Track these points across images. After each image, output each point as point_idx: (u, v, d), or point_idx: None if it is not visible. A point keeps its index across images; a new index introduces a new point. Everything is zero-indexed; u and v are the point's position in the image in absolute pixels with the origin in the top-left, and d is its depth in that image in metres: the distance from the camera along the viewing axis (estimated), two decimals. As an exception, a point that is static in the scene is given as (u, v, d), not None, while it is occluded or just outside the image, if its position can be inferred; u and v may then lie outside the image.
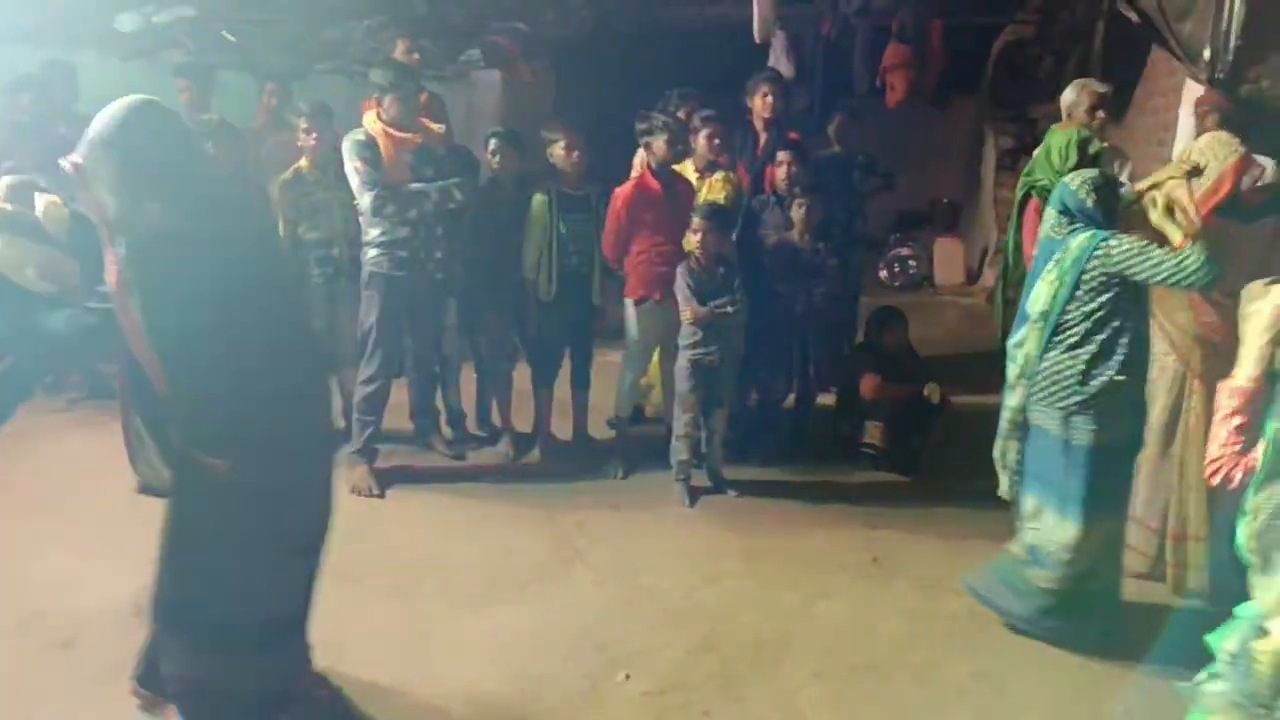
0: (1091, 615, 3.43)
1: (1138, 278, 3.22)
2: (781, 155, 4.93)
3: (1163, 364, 3.75)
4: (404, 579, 3.90)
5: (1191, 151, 3.80)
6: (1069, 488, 3.31)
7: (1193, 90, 5.13)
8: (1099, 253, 3.25)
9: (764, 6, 6.34)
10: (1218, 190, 3.64)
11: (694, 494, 4.62)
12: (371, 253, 4.57)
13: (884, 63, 6.97)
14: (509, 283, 4.83)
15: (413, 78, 4.73)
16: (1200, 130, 4.64)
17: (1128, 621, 3.51)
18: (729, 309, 4.44)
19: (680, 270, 4.48)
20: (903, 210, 8.40)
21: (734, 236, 4.83)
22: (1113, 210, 3.42)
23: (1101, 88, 4.73)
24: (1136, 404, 3.41)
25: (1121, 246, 3.23)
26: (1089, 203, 3.37)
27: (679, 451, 4.61)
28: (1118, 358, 3.27)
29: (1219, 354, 3.59)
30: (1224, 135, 3.77)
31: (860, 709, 3.19)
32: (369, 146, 4.42)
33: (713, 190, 4.88)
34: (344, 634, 3.31)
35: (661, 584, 3.91)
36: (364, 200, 4.44)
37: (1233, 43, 4.84)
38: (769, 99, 5.11)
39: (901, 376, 4.83)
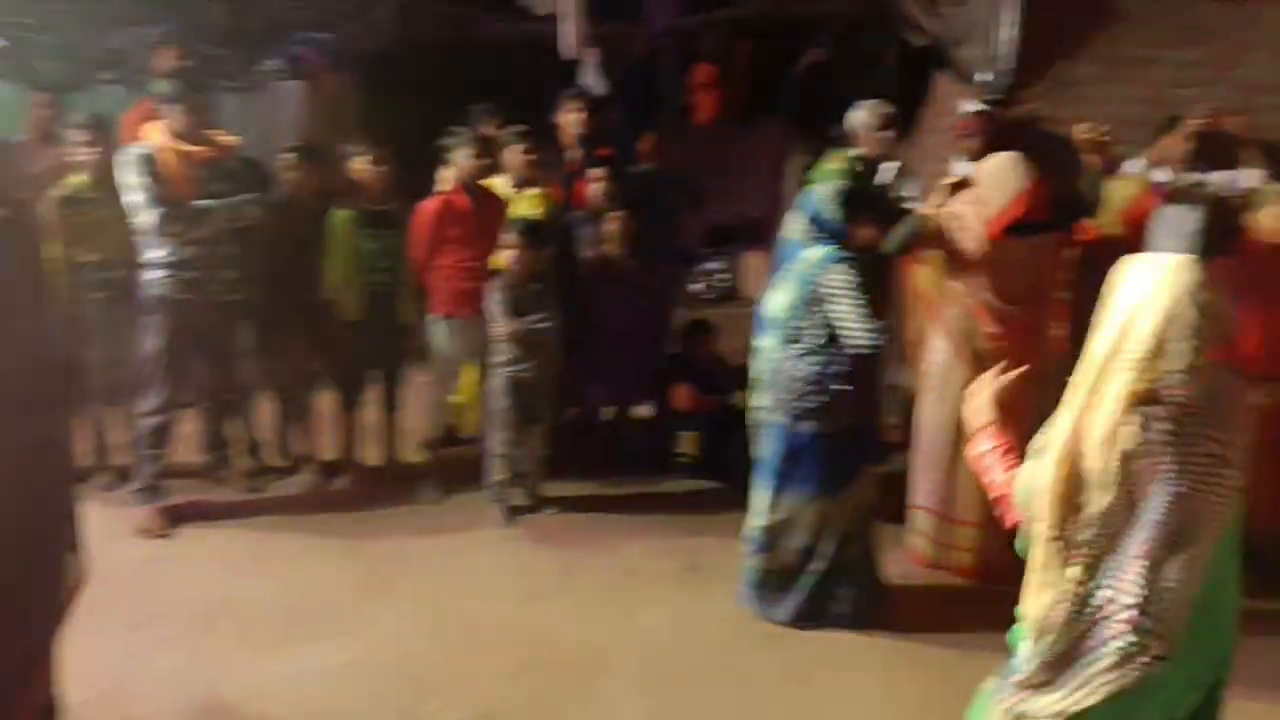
0: (836, 596, 3.65)
1: (828, 312, 3.42)
2: (594, 172, 4.94)
3: (950, 364, 4.00)
4: (197, 623, 3.63)
5: (980, 175, 4.06)
6: (788, 471, 3.57)
7: (967, 108, 5.50)
8: (821, 273, 3.45)
9: (574, 24, 6.38)
10: (1010, 212, 3.90)
11: (512, 514, 4.53)
12: (154, 274, 4.24)
13: (691, 82, 7.16)
14: (310, 303, 4.61)
15: (200, 88, 4.45)
16: (963, 152, 4.98)
17: (917, 605, 3.74)
18: (544, 325, 4.40)
19: (494, 286, 4.39)
20: (714, 225, 8.63)
21: (549, 253, 4.80)
22: (852, 226, 3.60)
23: (886, 109, 4.96)
24: (864, 403, 3.61)
25: (835, 278, 3.43)
26: (833, 215, 3.55)
27: (496, 472, 4.52)
28: (847, 366, 3.47)
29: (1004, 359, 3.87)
30: (1009, 160, 4.00)
31: (678, 718, 3.20)
32: (148, 160, 4.11)
33: (528, 206, 4.83)
34: (130, 685, 3.08)
35: (477, 608, 3.80)
36: (145, 218, 4.13)
37: (1007, 67, 5.27)
38: (578, 115, 5.11)
39: (713, 387, 4.92)
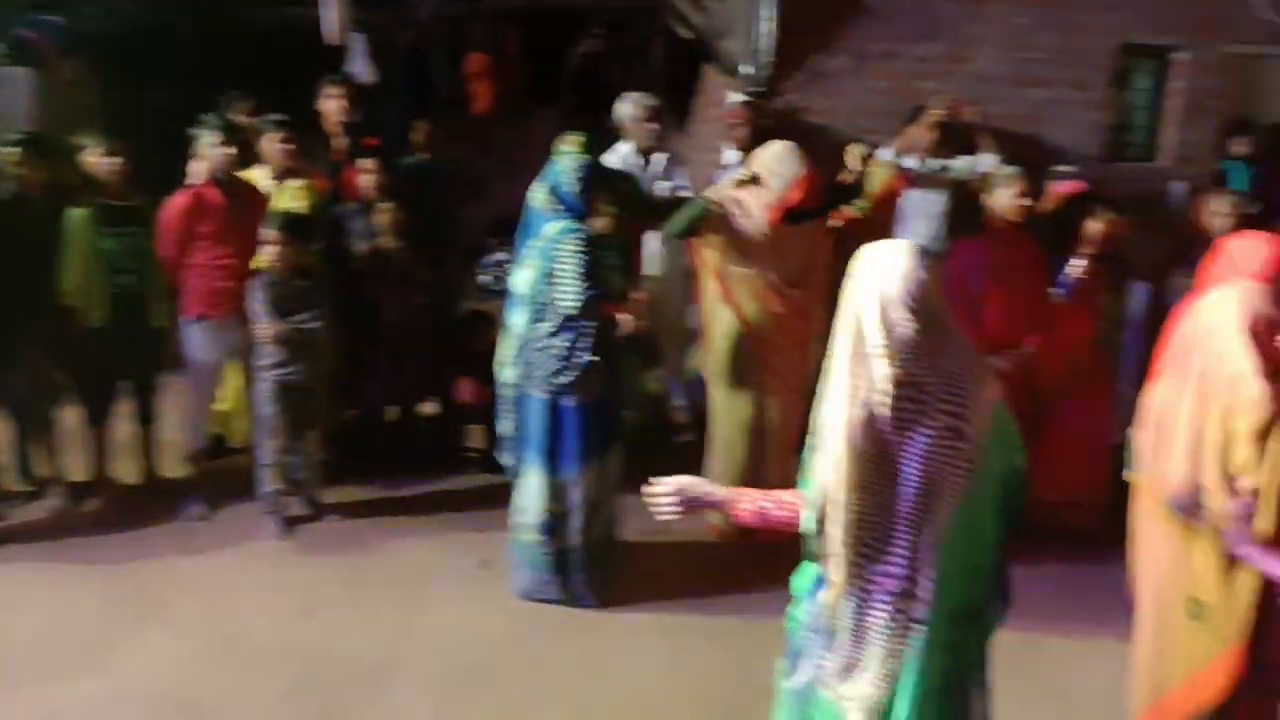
0: (603, 567, 3.76)
1: (554, 281, 3.55)
2: (364, 162, 4.75)
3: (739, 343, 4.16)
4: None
5: (755, 162, 4.21)
6: (555, 448, 3.63)
7: (734, 99, 5.72)
8: (558, 243, 3.55)
9: (336, 9, 6.11)
10: (787, 199, 4.07)
11: (288, 525, 4.30)
12: None
13: (466, 71, 7.04)
14: (46, 310, 4.18)
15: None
16: (732, 141, 5.19)
17: (707, 575, 3.89)
18: (312, 324, 4.18)
19: (256, 284, 4.13)
20: (497, 216, 8.53)
21: (319, 247, 4.58)
22: (591, 202, 3.74)
23: (652, 101, 5.07)
24: (610, 373, 3.73)
25: (565, 249, 3.55)
26: (572, 188, 3.65)
27: (268, 481, 4.27)
28: (595, 339, 3.60)
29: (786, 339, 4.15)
30: (785, 149, 4.17)
31: (470, 715, 3.14)
32: None
33: (291, 198, 4.58)
34: None
35: (252, 626, 3.58)
36: None
37: (765, 59, 5.50)
38: (340, 103, 4.89)
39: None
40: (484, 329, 4.97)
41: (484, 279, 8.48)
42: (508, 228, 8.76)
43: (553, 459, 3.66)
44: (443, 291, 5.03)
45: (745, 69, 5.57)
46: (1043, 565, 4.11)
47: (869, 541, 1.87)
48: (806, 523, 1.96)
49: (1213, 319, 2.55)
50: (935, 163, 5.36)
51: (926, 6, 5.62)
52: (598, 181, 3.79)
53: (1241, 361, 2.42)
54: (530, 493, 3.71)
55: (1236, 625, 2.46)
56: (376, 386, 4.79)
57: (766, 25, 5.45)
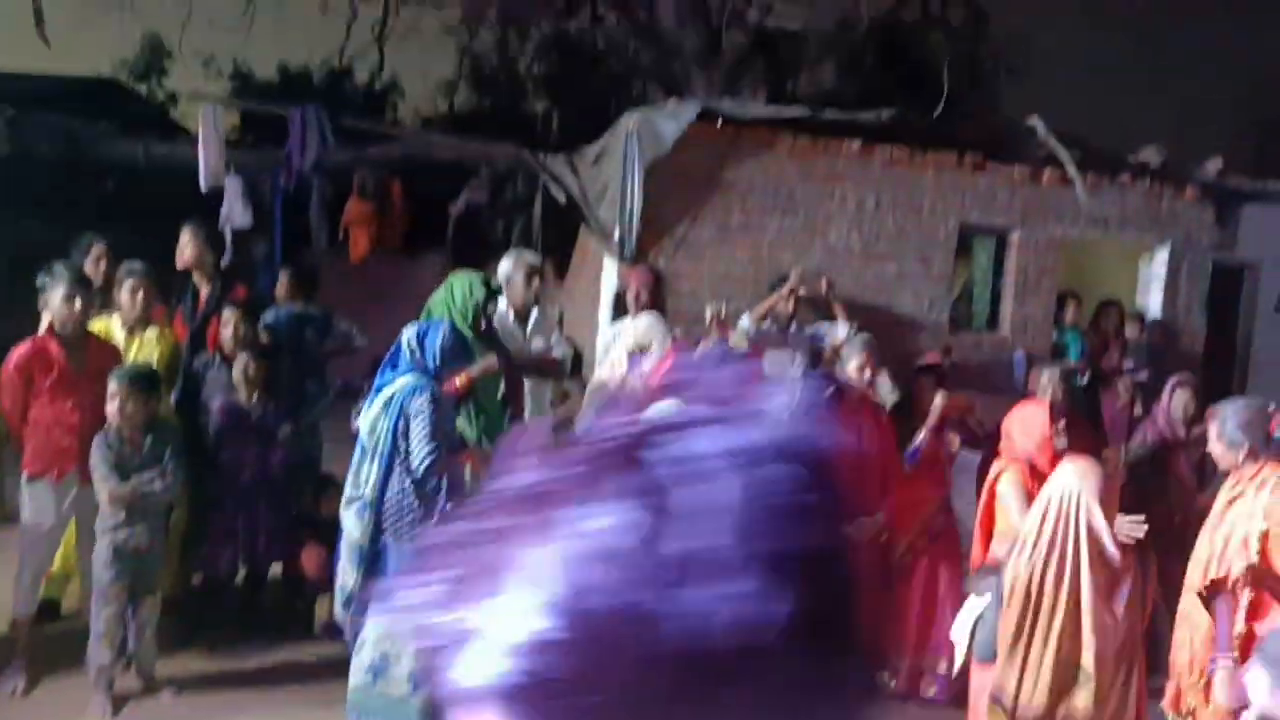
0: None
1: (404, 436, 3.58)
2: (227, 313, 4.66)
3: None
4: None
5: (636, 333, 4.35)
6: None
7: (611, 261, 5.93)
8: (409, 399, 3.59)
9: (211, 152, 6.11)
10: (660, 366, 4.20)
11: (119, 702, 3.99)
12: None
13: (345, 217, 7.09)
14: None
15: None
16: (638, 303, 5.35)
17: None
18: (156, 485, 3.99)
19: (97, 442, 3.94)
20: (379, 357, 8.45)
21: (171, 401, 4.43)
22: (453, 365, 3.82)
23: (534, 259, 5.20)
24: None
25: (416, 405, 3.57)
26: (435, 351, 3.72)
27: (99, 654, 3.96)
28: (450, 489, 3.62)
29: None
30: (654, 319, 4.33)
31: None
32: None
33: (143, 349, 4.45)
34: None
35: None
36: None
37: (635, 225, 5.75)
38: (199, 248, 4.82)
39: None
40: (333, 492, 4.81)
41: (356, 424, 8.32)
42: (381, 370, 8.73)
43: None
44: (304, 448, 4.90)
45: (616, 234, 5.80)
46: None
47: None
48: None
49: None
50: (795, 330, 5.67)
51: (783, 184, 6.02)
52: (459, 349, 3.85)
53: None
54: (369, 634, 3.56)
55: None
56: (225, 549, 4.57)
57: (636, 194, 5.72)
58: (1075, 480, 3.38)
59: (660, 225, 5.82)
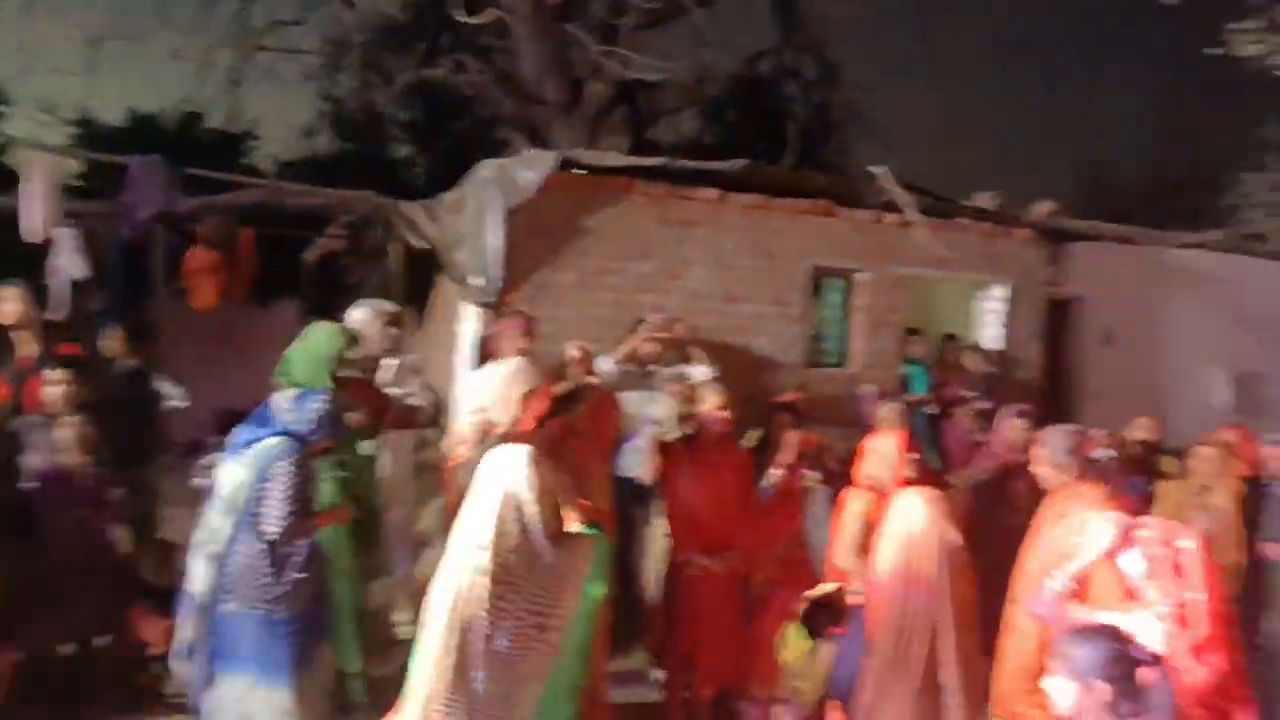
0: None
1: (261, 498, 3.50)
2: (51, 373, 4.40)
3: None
4: None
5: (509, 384, 4.28)
6: (273, 658, 3.46)
7: (471, 308, 5.87)
8: (271, 461, 3.51)
9: (36, 203, 5.78)
10: (537, 408, 4.15)
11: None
12: None
13: (186, 267, 6.80)
14: None
15: None
16: (512, 349, 5.29)
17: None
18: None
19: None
20: (226, 410, 8.10)
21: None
22: (325, 432, 3.72)
23: (390, 307, 5.12)
24: (321, 587, 3.70)
25: (277, 469, 3.49)
26: (299, 418, 3.63)
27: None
28: (306, 556, 3.54)
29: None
30: (520, 366, 4.26)
31: None
32: None
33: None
34: None
35: None
36: None
37: (496, 272, 5.72)
38: (18, 306, 4.55)
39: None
40: (170, 557, 4.57)
41: (201, 481, 7.92)
42: (235, 422, 8.37)
43: (261, 670, 3.45)
44: (138, 509, 4.63)
45: (476, 280, 5.76)
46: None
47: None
48: None
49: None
50: (659, 370, 5.74)
51: (641, 230, 6.13)
52: (335, 419, 3.78)
53: None
54: (232, 707, 3.44)
55: None
56: (49, 623, 4.24)
57: (495, 239, 5.70)
58: (922, 508, 3.54)
59: (521, 271, 5.82)
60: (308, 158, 13.87)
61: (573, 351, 5.27)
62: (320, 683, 3.69)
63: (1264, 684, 4.87)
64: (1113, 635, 2.46)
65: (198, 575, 3.51)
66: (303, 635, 3.55)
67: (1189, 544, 3.04)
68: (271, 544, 3.46)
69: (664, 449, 4.91)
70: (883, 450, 4.15)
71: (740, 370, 6.23)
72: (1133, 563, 3.12)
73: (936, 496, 3.62)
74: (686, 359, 6.00)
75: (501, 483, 2.30)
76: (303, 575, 3.51)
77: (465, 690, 2.23)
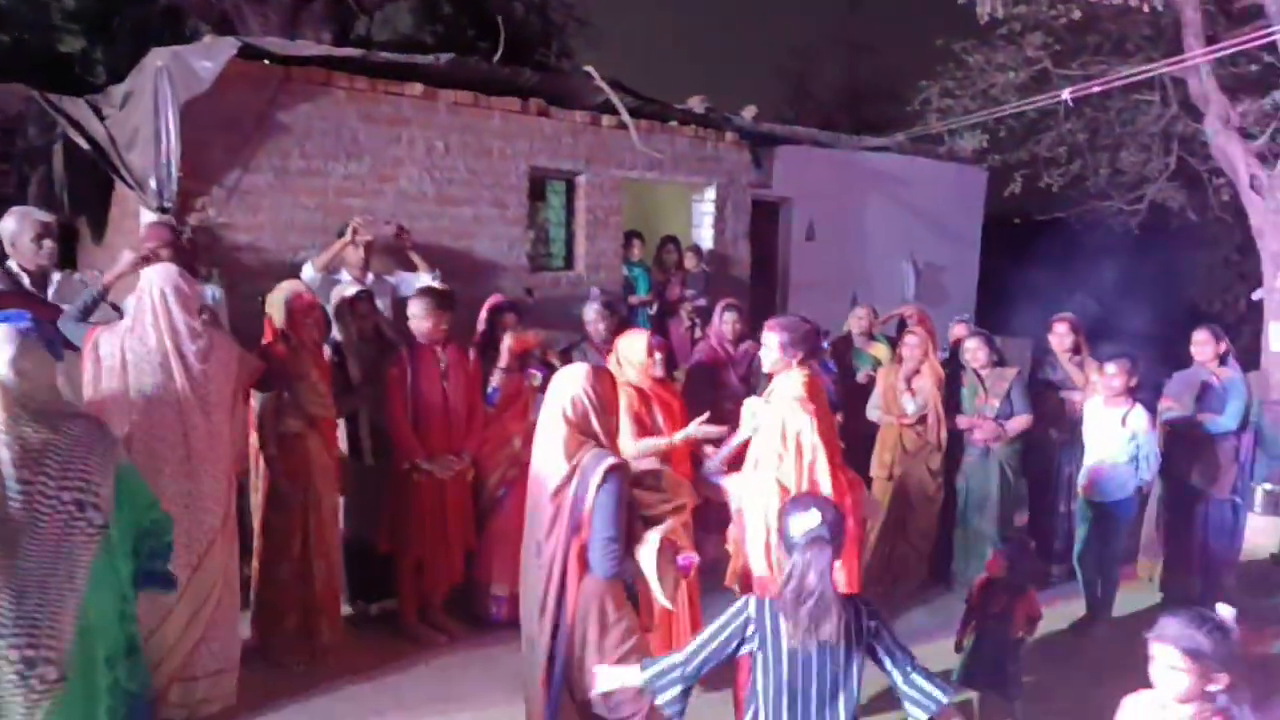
0: None
1: None
2: None
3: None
4: None
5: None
6: None
7: (149, 215, 5.28)
8: None
9: None
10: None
11: None
12: None
13: None
14: None
15: None
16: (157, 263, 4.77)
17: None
18: None
19: None
20: None
21: None
22: None
23: (45, 217, 4.49)
24: None
25: None
26: None
27: None
28: None
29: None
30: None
31: None
32: None
33: None
34: None
35: None
36: None
37: (174, 174, 5.15)
38: None
39: None
40: None
41: None
42: None
43: None
44: None
45: (153, 184, 5.16)
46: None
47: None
48: None
49: None
50: (372, 279, 5.47)
51: (345, 128, 5.74)
52: None
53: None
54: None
55: None
56: None
57: (172, 139, 5.12)
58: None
59: (207, 172, 5.27)
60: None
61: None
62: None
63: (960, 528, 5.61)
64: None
65: None
66: None
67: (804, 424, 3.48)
68: None
69: (389, 358, 4.74)
70: (631, 348, 4.26)
71: (462, 275, 6.09)
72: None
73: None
74: (408, 265, 5.77)
75: None
76: None
77: None
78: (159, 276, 3.86)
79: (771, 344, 3.90)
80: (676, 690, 2.53)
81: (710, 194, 8.04)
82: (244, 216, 5.38)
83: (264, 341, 4.45)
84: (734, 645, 2.48)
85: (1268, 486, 6.81)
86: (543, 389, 4.77)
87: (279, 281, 4.80)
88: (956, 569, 5.63)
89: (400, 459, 4.66)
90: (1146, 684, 2.35)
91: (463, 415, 4.80)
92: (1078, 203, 10.76)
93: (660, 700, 2.55)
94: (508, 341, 4.86)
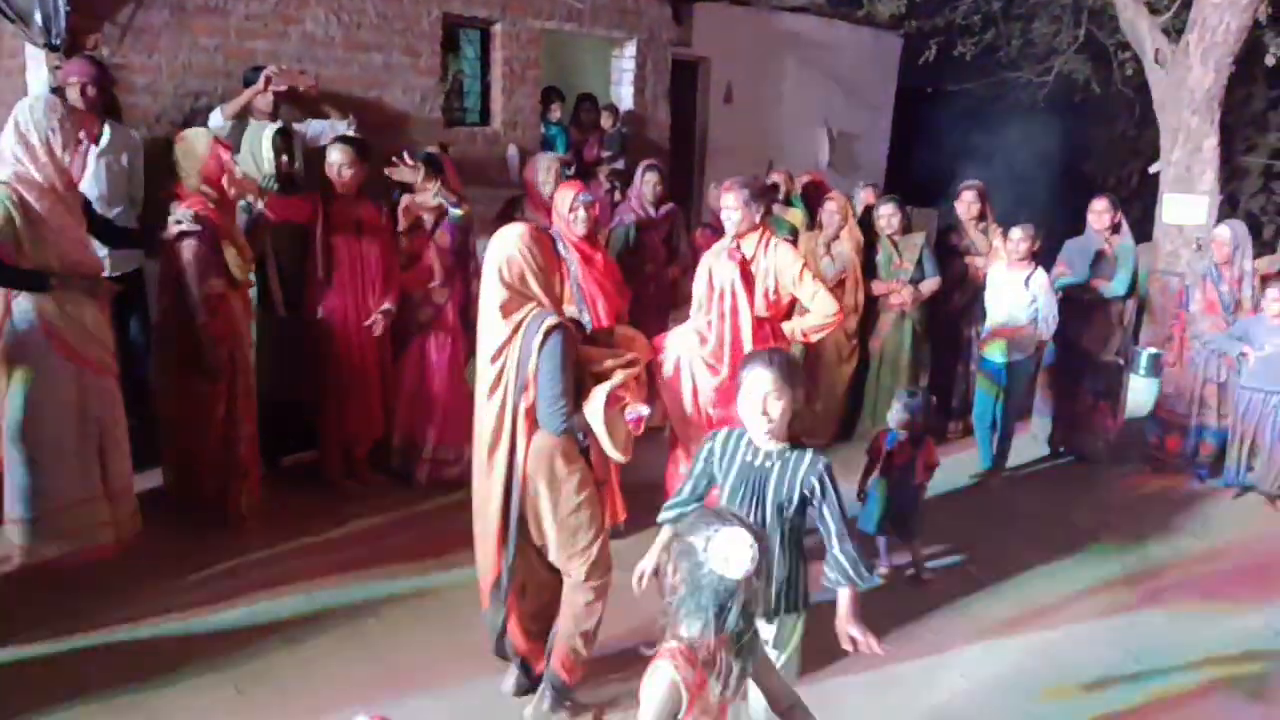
0: None
1: None
2: None
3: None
4: None
5: None
6: None
7: (37, 53, 4.89)
8: None
9: None
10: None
11: None
12: None
13: None
14: None
15: None
16: (88, 101, 4.47)
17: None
18: None
19: None
20: None
21: None
22: None
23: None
24: None
25: None
26: None
27: None
28: None
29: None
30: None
31: None
32: None
33: None
34: None
35: None
36: None
37: (61, 7, 4.75)
38: None
39: None
40: None
41: None
42: None
43: None
44: None
45: (38, 18, 4.75)
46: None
47: None
48: None
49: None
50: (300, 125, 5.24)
51: (245, -38, 5.35)
52: None
53: None
54: None
55: None
56: None
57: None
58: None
59: (98, 7, 4.87)
60: None
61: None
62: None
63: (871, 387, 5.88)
64: None
65: None
66: None
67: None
68: None
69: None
70: (560, 203, 4.31)
71: (372, 127, 5.84)
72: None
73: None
74: (318, 113, 5.52)
75: None
76: None
77: None
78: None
79: (733, 204, 3.94)
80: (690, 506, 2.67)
81: (630, 50, 7.84)
82: (139, 57, 5.02)
83: (178, 196, 4.16)
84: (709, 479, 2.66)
85: (1151, 350, 7.29)
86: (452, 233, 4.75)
87: (177, 129, 4.56)
88: (864, 427, 5.91)
89: (313, 306, 4.59)
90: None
91: (377, 270, 4.70)
92: (989, 73, 10.86)
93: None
94: (402, 203, 4.77)
